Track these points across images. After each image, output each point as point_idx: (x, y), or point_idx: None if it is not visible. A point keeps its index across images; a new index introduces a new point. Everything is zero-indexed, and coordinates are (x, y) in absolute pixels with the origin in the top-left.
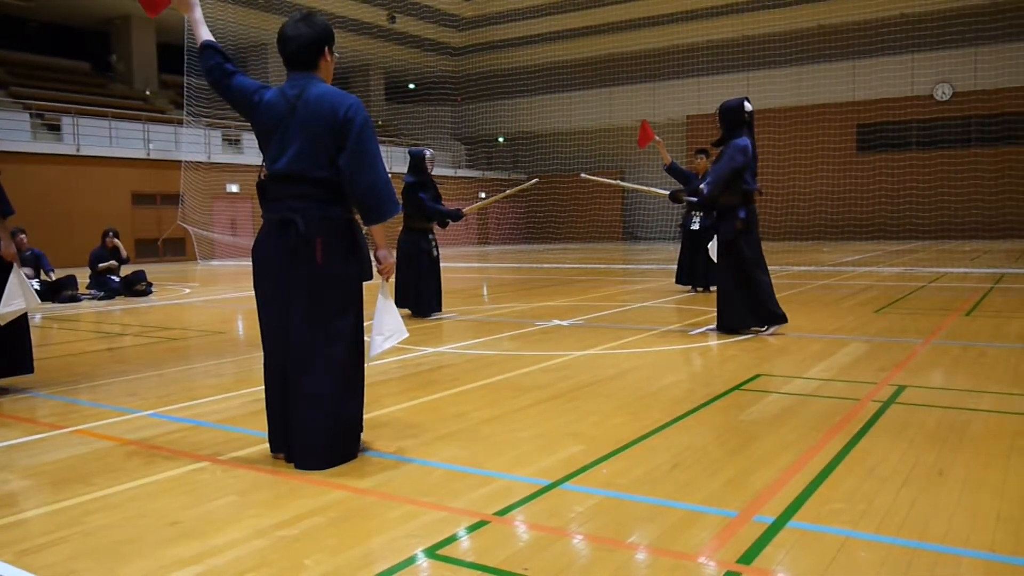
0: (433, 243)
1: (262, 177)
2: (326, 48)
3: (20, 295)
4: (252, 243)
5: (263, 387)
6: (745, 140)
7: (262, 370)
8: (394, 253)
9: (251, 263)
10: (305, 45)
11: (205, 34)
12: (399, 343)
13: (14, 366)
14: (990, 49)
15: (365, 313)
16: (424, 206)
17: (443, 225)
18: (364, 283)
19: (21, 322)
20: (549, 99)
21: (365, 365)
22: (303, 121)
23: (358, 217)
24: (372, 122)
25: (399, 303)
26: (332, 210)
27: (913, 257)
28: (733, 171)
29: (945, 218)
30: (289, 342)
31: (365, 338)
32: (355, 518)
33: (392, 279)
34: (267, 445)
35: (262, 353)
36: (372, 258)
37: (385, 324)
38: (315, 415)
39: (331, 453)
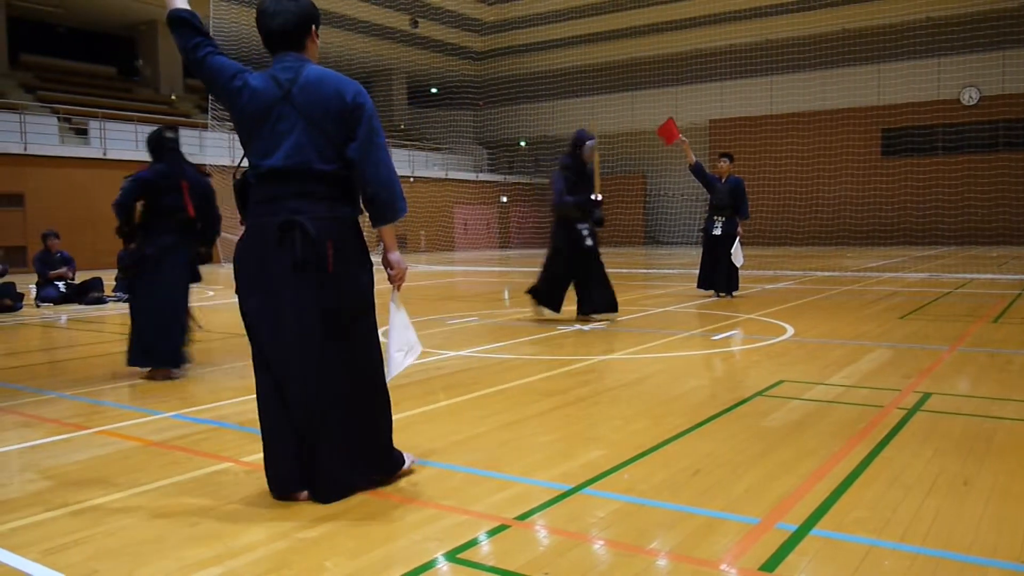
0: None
1: (238, 176)
2: (312, 27)
3: None
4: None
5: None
6: None
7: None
8: (405, 258)
9: (234, 277)
10: (292, 21)
11: (178, 2)
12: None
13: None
14: (1018, 52)
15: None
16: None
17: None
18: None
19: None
20: (571, 103)
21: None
22: (302, 108)
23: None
24: None
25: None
26: (340, 209)
27: (939, 263)
28: None
29: (971, 223)
30: (305, 363)
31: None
32: (375, 521)
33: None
34: None
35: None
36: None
37: (403, 338)
38: (365, 431)
39: (390, 462)
